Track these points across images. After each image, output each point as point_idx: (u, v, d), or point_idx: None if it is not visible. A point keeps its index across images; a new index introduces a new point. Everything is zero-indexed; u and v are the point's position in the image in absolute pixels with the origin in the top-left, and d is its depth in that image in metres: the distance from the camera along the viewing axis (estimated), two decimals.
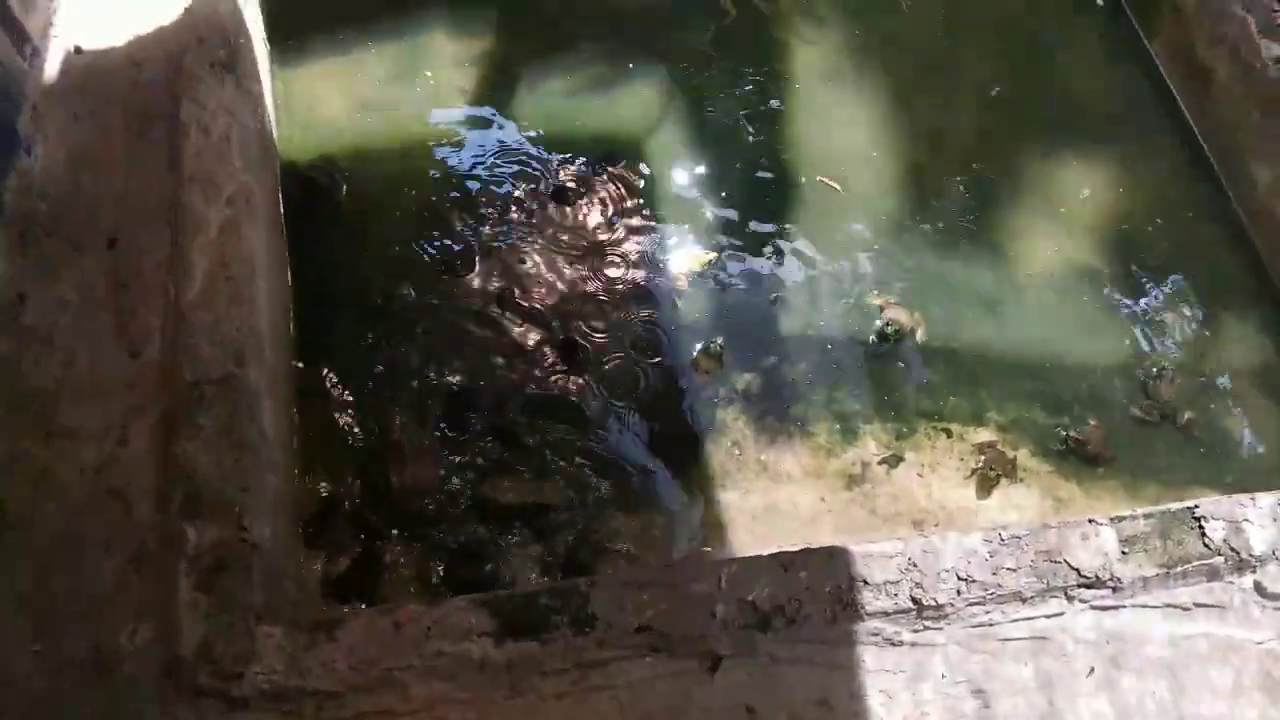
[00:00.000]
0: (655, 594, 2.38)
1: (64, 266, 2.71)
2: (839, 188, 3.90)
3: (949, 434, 3.45)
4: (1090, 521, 2.73)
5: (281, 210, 3.37)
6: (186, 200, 2.78)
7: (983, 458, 3.39)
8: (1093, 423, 3.53)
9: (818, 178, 3.92)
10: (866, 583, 2.53)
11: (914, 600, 2.53)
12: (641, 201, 3.74)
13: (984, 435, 3.46)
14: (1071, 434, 3.48)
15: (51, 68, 3.00)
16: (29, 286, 2.65)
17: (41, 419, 2.47)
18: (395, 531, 2.98)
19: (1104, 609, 2.65)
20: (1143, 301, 3.85)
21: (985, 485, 3.36)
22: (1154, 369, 3.67)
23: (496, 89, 3.89)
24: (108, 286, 2.72)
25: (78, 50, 3.06)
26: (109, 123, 2.96)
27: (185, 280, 2.67)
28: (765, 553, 2.57)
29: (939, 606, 2.53)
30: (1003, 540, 2.65)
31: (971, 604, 2.57)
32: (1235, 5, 4.19)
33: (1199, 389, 3.70)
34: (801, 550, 2.55)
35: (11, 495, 2.34)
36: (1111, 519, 2.74)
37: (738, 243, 3.72)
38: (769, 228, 3.78)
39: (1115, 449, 3.50)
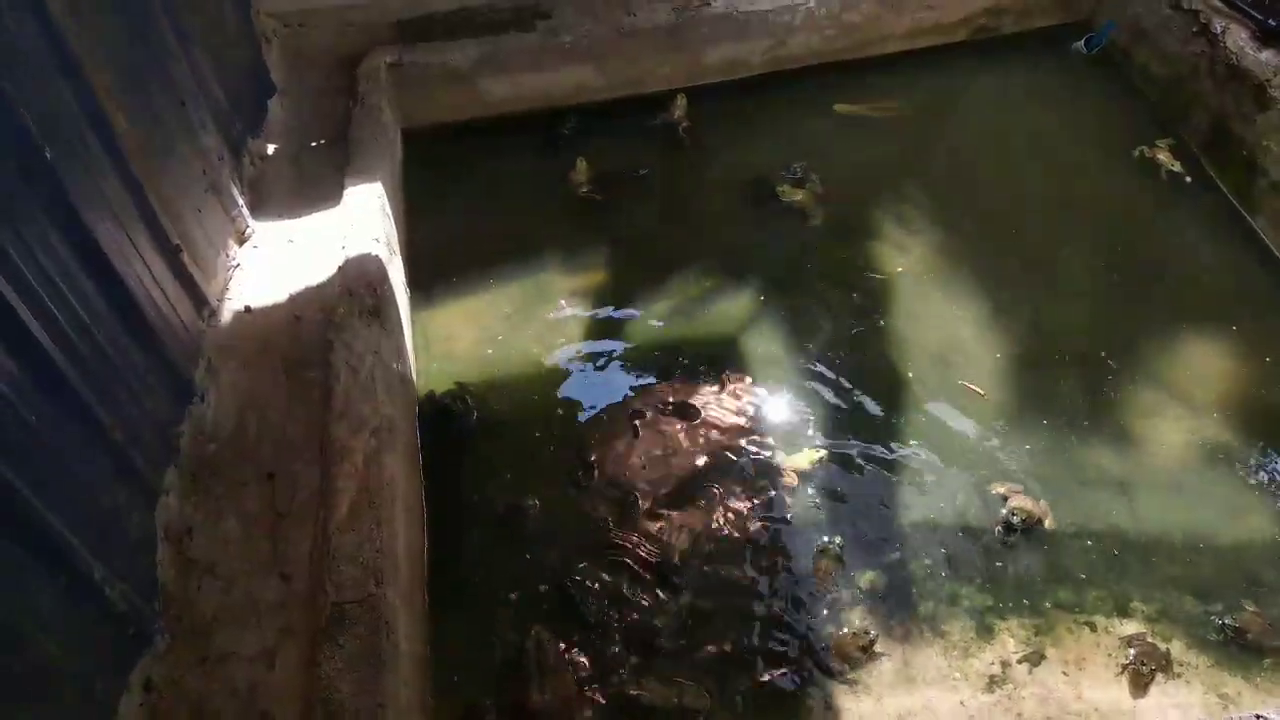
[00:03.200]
0: None
1: (229, 501, 3.00)
2: (983, 392, 3.93)
3: (1092, 628, 3.28)
4: (1258, 717, 2.52)
5: (418, 435, 3.64)
6: (335, 434, 3.06)
7: (1133, 652, 3.18)
8: (1251, 608, 3.30)
9: (960, 382, 3.97)
10: None
11: None
12: (754, 407, 3.86)
13: (1131, 627, 3.27)
14: (1229, 622, 3.25)
15: (225, 325, 3.44)
16: (198, 521, 2.93)
17: (199, 646, 2.67)
18: None
19: None
20: None
21: (1139, 682, 3.14)
22: None
23: (609, 316, 4.19)
24: (267, 517, 2.98)
25: (248, 309, 3.50)
26: (272, 369, 3.34)
27: (332, 507, 2.91)
28: None
29: None
30: None
31: None
32: None
33: None
34: None
35: None
36: None
37: (848, 439, 3.77)
38: (878, 423, 3.83)
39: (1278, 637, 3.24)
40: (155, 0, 3.24)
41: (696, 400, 3.85)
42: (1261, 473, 3.68)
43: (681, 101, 4.90)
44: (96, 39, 2.80)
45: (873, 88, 5.23)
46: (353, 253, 3.58)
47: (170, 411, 3.06)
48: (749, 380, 3.95)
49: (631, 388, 3.91)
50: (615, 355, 4.05)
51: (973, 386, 3.95)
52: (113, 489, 2.61)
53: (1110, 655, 3.21)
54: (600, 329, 4.14)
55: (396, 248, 3.95)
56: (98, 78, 2.78)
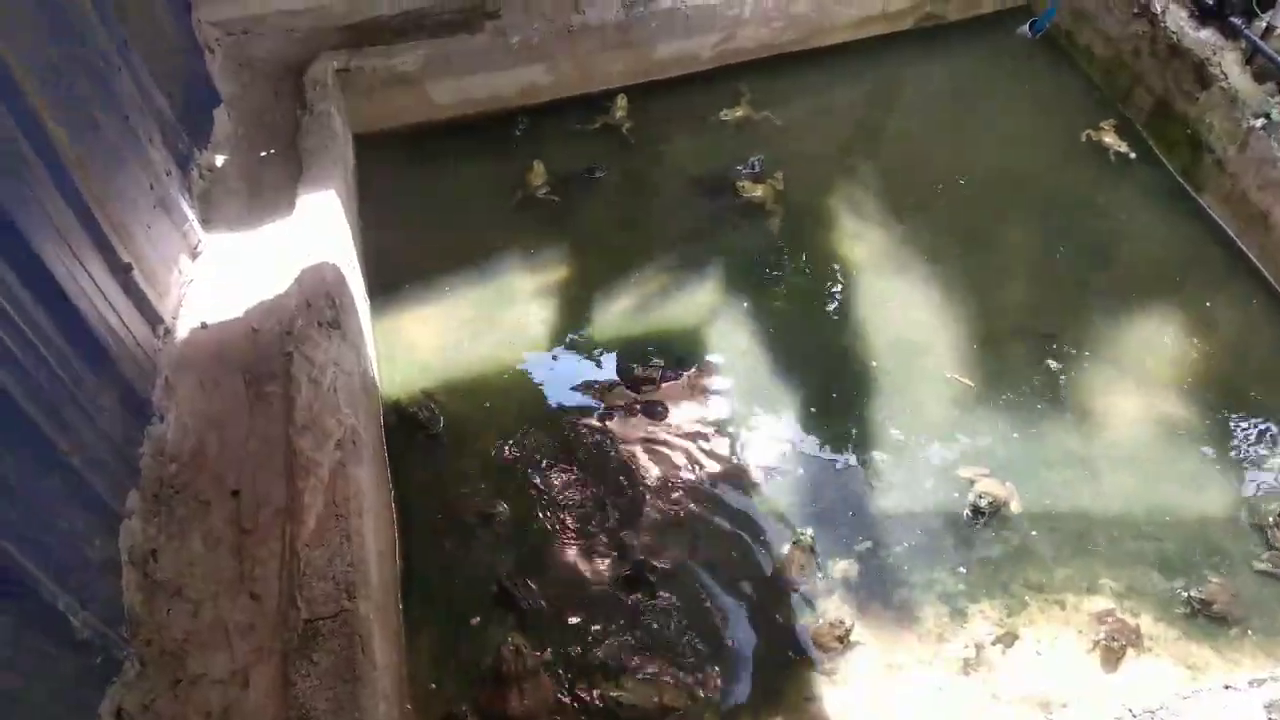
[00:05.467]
0: None
1: (192, 521, 2.94)
2: (971, 384, 3.95)
3: (1062, 606, 3.33)
4: (1227, 688, 2.58)
5: (385, 446, 3.60)
6: (299, 447, 3.02)
7: (1103, 628, 3.23)
8: (1215, 580, 3.37)
9: (947, 375, 3.99)
10: None
11: None
12: (719, 402, 3.87)
13: (1100, 604, 3.33)
14: (1194, 594, 3.32)
15: (181, 343, 3.36)
16: (162, 543, 2.87)
17: (171, 670, 2.61)
18: None
19: None
20: (1242, 447, 3.75)
21: (1111, 658, 3.20)
22: (1269, 516, 3.51)
23: (572, 313, 4.17)
24: (232, 536, 2.93)
25: (204, 325, 3.43)
26: (231, 386, 3.27)
27: (299, 523, 2.86)
28: None
29: None
30: (1135, 715, 2.52)
31: None
32: (1277, 150, 4.29)
33: None
34: None
35: None
36: (1251, 682, 2.59)
37: (815, 431, 3.79)
38: (843, 413, 3.86)
39: (1245, 606, 3.31)
40: (91, 14, 3.15)
41: (663, 398, 3.85)
42: (1219, 443, 3.76)
43: (622, 102, 4.88)
44: (31, 57, 2.72)
45: (822, 78, 5.25)
46: (309, 263, 3.52)
47: (128, 433, 2.99)
48: (714, 375, 3.96)
49: (598, 387, 3.89)
50: (580, 354, 4.03)
51: (961, 379, 3.97)
52: (71, 514, 2.54)
53: (1081, 632, 3.26)
54: (563, 329, 4.12)
55: (354, 256, 3.90)
56: (35, 97, 2.69)
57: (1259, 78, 4.55)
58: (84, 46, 3.10)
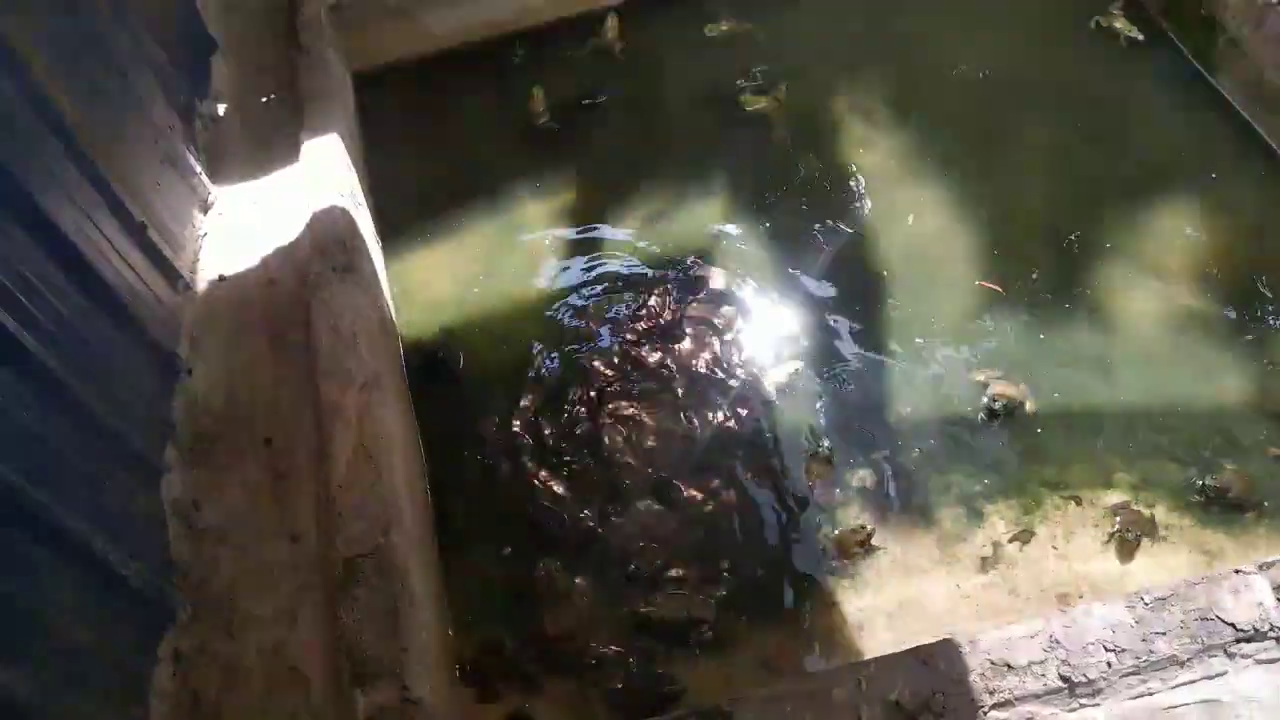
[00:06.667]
0: (798, 706, 2.44)
1: (230, 470, 3.06)
2: (1001, 289, 3.94)
3: (1078, 502, 3.40)
4: (1238, 572, 2.65)
5: (407, 386, 3.68)
6: (325, 393, 3.10)
7: (1118, 520, 3.31)
8: (1231, 467, 3.42)
9: (977, 282, 3.97)
10: (1010, 667, 2.52)
11: (1063, 679, 2.50)
12: (731, 319, 3.91)
13: (1115, 497, 3.39)
14: (1209, 482, 3.37)
15: (201, 297, 3.44)
16: (201, 493, 2.99)
17: (222, 613, 2.76)
18: (556, 671, 3.13)
19: (1271, 661, 2.54)
20: (1260, 335, 3.75)
21: (1126, 549, 3.28)
22: None
23: (582, 242, 4.20)
24: (269, 482, 3.05)
25: (221, 278, 3.50)
26: (254, 336, 3.36)
27: (331, 465, 2.96)
28: (902, 649, 2.60)
29: (1091, 682, 2.49)
30: (1147, 604, 2.60)
31: (1126, 675, 2.51)
32: None
33: None
34: (939, 641, 2.57)
35: (204, 688, 2.61)
36: (1260, 565, 2.65)
37: (829, 342, 3.84)
38: (857, 324, 3.88)
39: (1261, 492, 3.37)
40: None
41: (676, 320, 3.89)
42: (1236, 333, 3.77)
43: (612, 22, 4.77)
44: (25, 20, 2.72)
45: None
46: (318, 209, 3.56)
47: (160, 389, 3.09)
48: (725, 286, 3.99)
49: (612, 311, 3.94)
50: (594, 280, 4.07)
51: (990, 284, 3.96)
52: (114, 473, 2.66)
53: (1097, 526, 3.34)
54: (575, 256, 4.14)
55: (362, 199, 3.92)
56: (34, 61, 2.71)
57: None
58: (78, 7, 3.10)
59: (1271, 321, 3.79)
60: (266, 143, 3.95)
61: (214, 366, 3.27)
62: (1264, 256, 3.98)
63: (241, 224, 3.66)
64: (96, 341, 2.70)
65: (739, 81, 4.67)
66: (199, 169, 3.68)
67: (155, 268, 3.22)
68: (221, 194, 3.75)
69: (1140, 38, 4.75)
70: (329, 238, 3.49)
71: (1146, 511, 3.35)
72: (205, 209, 3.68)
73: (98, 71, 3.12)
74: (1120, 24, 4.79)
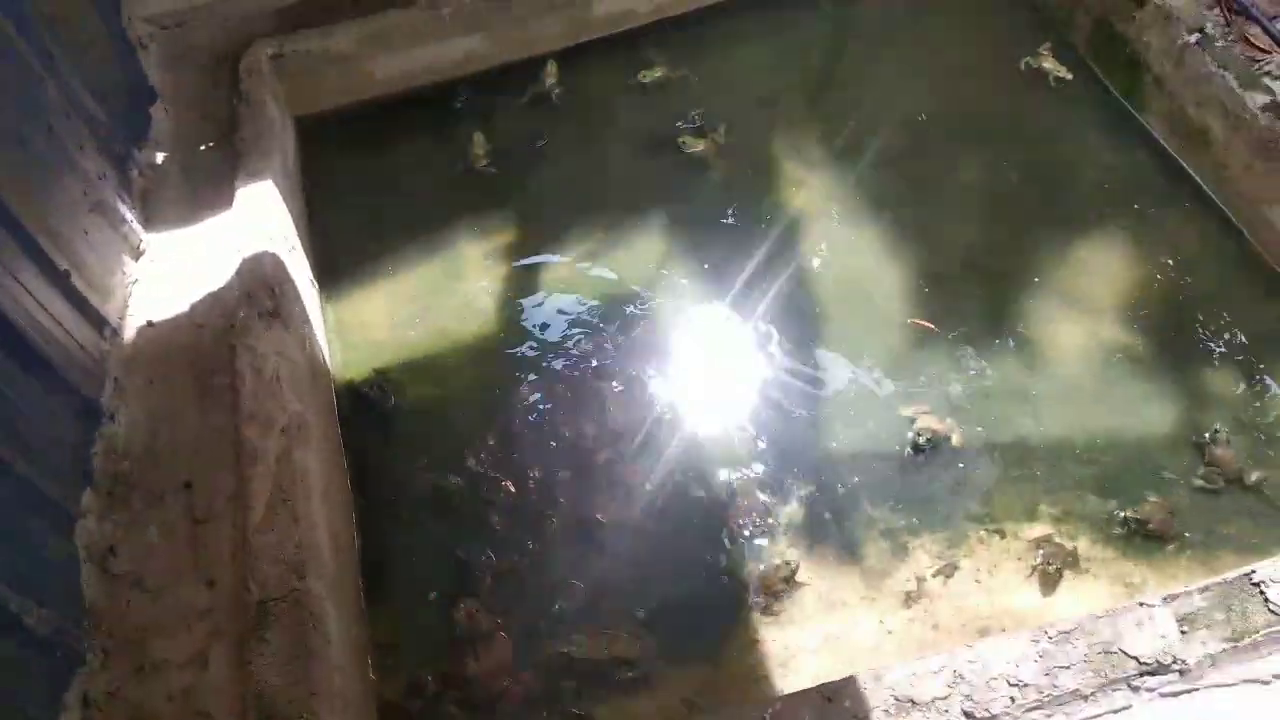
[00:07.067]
0: None
1: (148, 514, 3.06)
2: (933, 327, 4.00)
3: (1002, 534, 3.43)
4: (1141, 605, 2.67)
5: (338, 427, 3.70)
6: (246, 436, 3.12)
7: (1040, 553, 3.33)
8: (1153, 499, 3.45)
9: (909, 320, 4.03)
10: (914, 702, 2.53)
11: (966, 714, 2.51)
12: (662, 349, 3.95)
13: (1038, 530, 3.42)
14: (1131, 514, 3.40)
15: (129, 343, 3.46)
16: (119, 537, 2.99)
17: (134, 657, 2.75)
18: (477, 712, 3.12)
19: (1175, 695, 2.56)
20: (1183, 367, 3.81)
21: (1049, 582, 3.30)
22: (1207, 434, 3.58)
23: (520, 276, 4.24)
24: (187, 526, 3.05)
25: (150, 324, 3.52)
26: (180, 381, 3.37)
27: (249, 509, 2.97)
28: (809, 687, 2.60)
29: (994, 717, 2.51)
30: (1051, 638, 2.62)
31: (1030, 709, 2.53)
32: (1211, 65, 4.28)
33: (1262, 444, 3.59)
34: (844, 679, 2.58)
35: None
36: (1165, 598, 2.68)
37: (759, 379, 3.88)
38: (787, 361, 3.92)
39: (1182, 523, 3.40)
40: (7, 26, 3.19)
41: (607, 360, 3.93)
42: (1160, 365, 3.82)
43: (552, 68, 4.86)
44: None
45: (758, 26, 5.20)
46: (248, 254, 3.59)
47: (80, 435, 3.09)
48: (657, 318, 4.04)
49: (547, 350, 3.97)
50: (530, 319, 4.11)
51: (921, 323, 4.02)
52: (23, 520, 2.66)
53: (1020, 559, 3.36)
54: (513, 296, 4.18)
55: (297, 243, 3.96)
56: None
57: None
58: (2, 59, 3.15)
59: (1195, 353, 3.85)
60: (203, 189, 3.99)
61: (137, 412, 3.28)
62: (1188, 288, 4.05)
63: (173, 270, 3.69)
64: (8, 389, 2.71)
65: (678, 124, 4.75)
66: (131, 216, 3.71)
67: (80, 315, 3.23)
68: (155, 240, 3.78)
69: (1069, 77, 4.86)
70: (257, 282, 3.52)
71: (1069, 544, 3.37)
72: (137, 256, 3.71)
73: (23, 125, 3.16)
74: (1049, 64, 4.90)
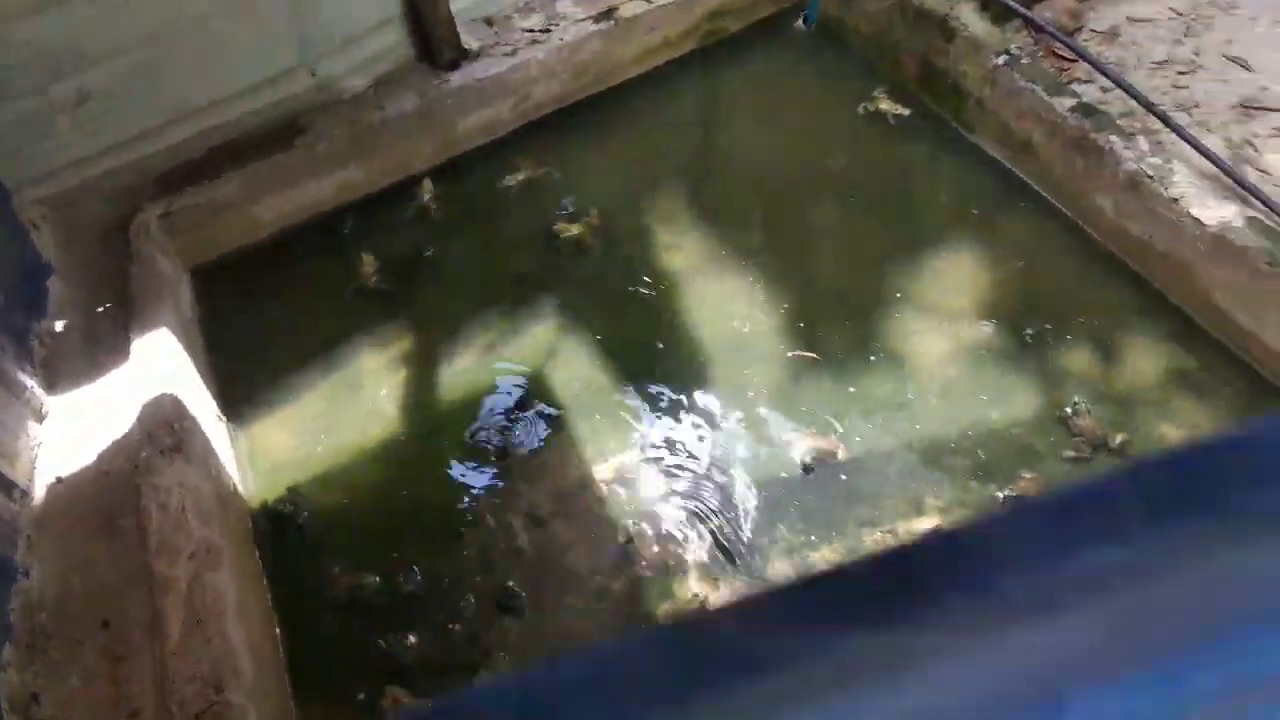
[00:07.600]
0: None
1: (68, 660, 3.15)
2: (815, 356, 4.26)
3: (894, 533, 3.60)
4: None
5: (254, 546, 3.82)
6: (155, 569, 3.24)
7: None
8: (1028, 475, 3.66)
9: (790, 353, 4.29)
10: None
11: None
12: (563, 430, 4.14)
13: (927, 523, 3.60)
14: (1008, 493, 3.60)
15: (39, 502, 3.59)
16: (41, 686, 3.08)
17: None
18: None
19: None
20: (1040, 353, 4.07)
21: None
22: (1068, 409, 3.82)
23: (418, 381, 4.44)
24: (107, 664, 3.14)
25: (59, 480, 3.66)
26: (88, 527, 3.50)
27: (164, 636, 3.08)
28: None
29: None
30: None
31: None
32: (1021, 80, 4.69)
33: (1122, 410, 3.83)
34: None
35: None
36: None
37: (653, 434, 4.07)
38: (677, 411, 4.13)
39: None
40: None
41: (512, 439, 4.12)
42: (1018, 356, 4.08)
43: (428, 185, 5.18)
44: None
45: (619, 115, 5.59)
46: (147, 398, 3.77)
47: None
48: (555, 400, 4.24)
49: (452, 443, 4.15)
50: (431, 417, 4.29)
51: (802, 353, 4.26)
52: None
53: None
54: (412, 398, 4.38)
55: (196, 382, 4.15)
56: None
57: (997, 20, 4.97)
58: None
59: (1048, 338, 4.12)
60: (102, 348, 4.18)
61: (50, 564, 3.40)
62: (1034, 280, 4.35)
63: (78, 427, 3.85)
64: None
65: (554, 213, 5.06)
66: (32, 384, 3.89)
67: None
68: (58, 403, 3.95)
69: (905, 113, 5.27)
70: (156, 422, 3.69)
71: None
72: (41, 419, 3.87)
73: None
74: (885, 105, 5.31)
